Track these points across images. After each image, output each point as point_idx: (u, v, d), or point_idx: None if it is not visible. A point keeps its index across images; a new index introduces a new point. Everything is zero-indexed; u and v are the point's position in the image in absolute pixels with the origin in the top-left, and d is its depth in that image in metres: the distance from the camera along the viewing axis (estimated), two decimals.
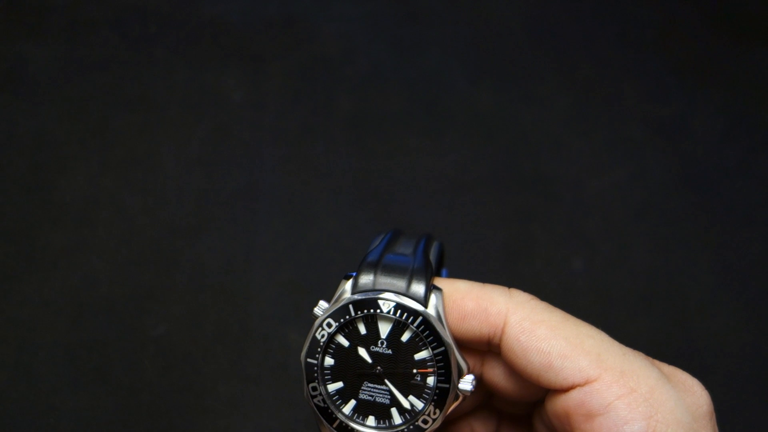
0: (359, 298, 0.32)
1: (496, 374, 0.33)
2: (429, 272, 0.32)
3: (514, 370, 0.32)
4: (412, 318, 0.31)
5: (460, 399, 0.32)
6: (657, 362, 0.31)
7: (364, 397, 0.32)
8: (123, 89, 0.61)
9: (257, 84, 0.62)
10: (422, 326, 0.31)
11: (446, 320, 0.31)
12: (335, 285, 0.33)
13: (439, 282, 0.32)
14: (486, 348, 0.33)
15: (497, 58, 0.66)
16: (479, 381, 0.34)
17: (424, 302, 0.31)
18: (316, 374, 0.32)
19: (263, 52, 0.64)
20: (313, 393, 0.32)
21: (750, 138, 0.64)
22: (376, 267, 0.32)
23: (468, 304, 0.31)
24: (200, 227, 0.55)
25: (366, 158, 0.60)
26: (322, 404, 0.32)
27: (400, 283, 0.32)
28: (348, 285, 0.32)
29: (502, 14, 0.69)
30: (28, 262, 0.52)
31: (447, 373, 0.31)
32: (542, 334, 0.30)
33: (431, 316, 0.31)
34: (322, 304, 0.32)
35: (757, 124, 0.64)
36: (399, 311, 0.31)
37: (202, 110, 0.61)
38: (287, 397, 0.49)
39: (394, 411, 0.32)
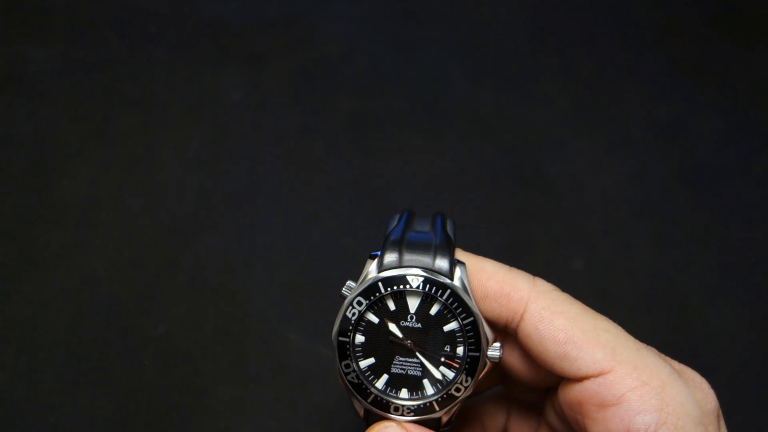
0: (388, 275, 0.32)
1: (513, 357, 0.34)
2: (451, 247, 0.33)
3: (530, 355, 0.33)
4: (440, 291, 0.32)
5: (489, 366, 0.33)
6: (668, 359, 0.32)
7: (396, 371, 0.33)
8: (123, 89, 0.61)
9: (257, 84, 0.62)
10: (450, 298, 0.32)
11: (472, 292, 0.32)
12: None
13: (465, 257, 0.33)
14: (502, 329, 0.33)
15: (497, 58, 0.66)
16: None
17: (450, 275, 0.32)
18: (348, 352, 0.33)
19: (263, 52, 0.64)
20: (346, 370, 0.33)
21: (750, 138, 0.64)
22: (400, 245, 0.33)
23: (492, 285, 0.33)
24: (200, 227, 0.55)
25: (366, 158, 0.60)
26: (355, 380, 0.33)
27: (425, 259, 0.33)
28: (374, 264, 0.33)
29: (502, 14, 0.69)
30: (28, 262, 0.52)
31: (476, 342, 0.32)
32: (560, 325, 0.31)
33: (458, 288, 0.32)
34: (350, 284, 0.33)
35: (757, 124, 0.64)
36: (428, 285, 0.32)
37: (202, 110, 0.61)
38: (287, 397, 0.49)
39: (426, 382, 0.33)
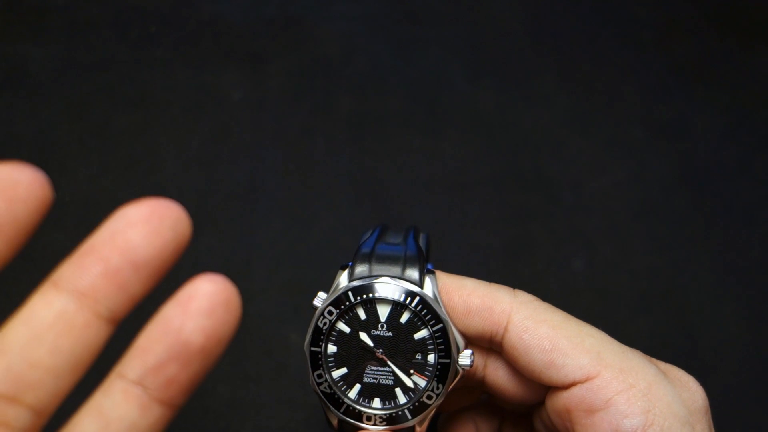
0: (357, 284, 0.33)
1: (499, 376, 0.34)
2: (421, 258, 0.34)
3: (515, 369, 0.33)
4: (409, 299, 0.33)
5: (460, 374, 0.33)
6: (654, 360, 0.32)
7: (369, 380, 0.33)
8: (123, 89, 0.61)
9: (257, 84, 0.62)
10: (420, 306, 0.32)
11: (441, 300, 0.33)
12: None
13: (444, 277, 0.34)
14: (487, 345, 0.33)
15: (497, 58, 0.66)
16: (480, 372, 0.35)
17: (420, 284, 0.33)
18: (320, 362, 0.33)
19: (263, 52, 0.64)
20: (319, 380, 0.33)
21: (750, 138, 0.64)
22: (370, 257, 0.34)
23: (474, 300, 0.33)
24: (200, 227, 0.55)
25: (366, 158, 0.60)
26: (328, 390, 0.33)
27: (395, 269, 0.33)
28: (344, 275, 0.34)
29: (502, 14, 0.69)
30: (28, 262, 0.52)
31: (447, 349, 0.33)
32: (544, 333, 0.31)
33: (427, 295, 0.33)
34: (321, 294, 0.33)
35: (757, 124, 0.64)
36: (397, 293, 0.33)
37: (202, 110, 0.61)
38: (287, 397, 0.49)
39: (398, 391, 0.33)
